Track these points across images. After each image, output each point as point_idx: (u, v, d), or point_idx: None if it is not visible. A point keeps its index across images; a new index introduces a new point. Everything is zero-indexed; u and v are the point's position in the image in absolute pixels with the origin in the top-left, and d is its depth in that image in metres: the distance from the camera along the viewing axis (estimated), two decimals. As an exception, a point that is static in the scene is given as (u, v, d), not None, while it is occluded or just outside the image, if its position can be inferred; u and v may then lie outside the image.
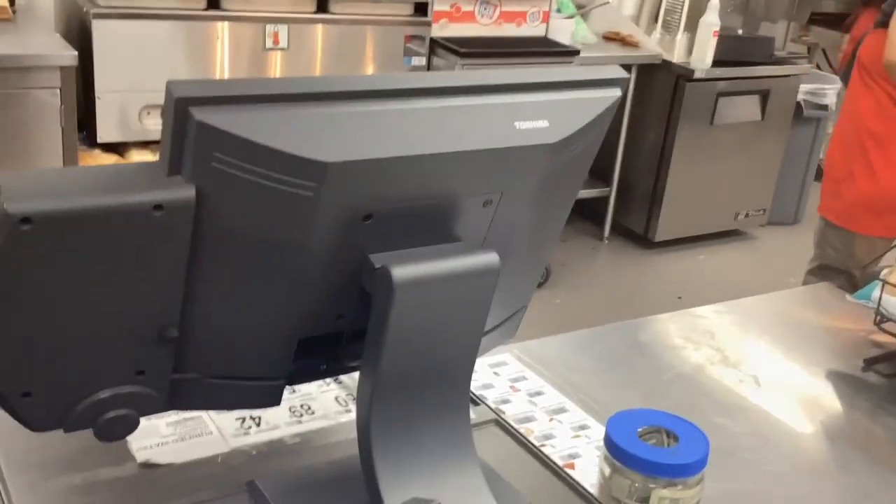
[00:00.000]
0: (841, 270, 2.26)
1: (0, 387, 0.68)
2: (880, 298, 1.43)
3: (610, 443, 0.92)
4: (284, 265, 0.71)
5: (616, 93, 0.81)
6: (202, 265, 0.68)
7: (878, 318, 1.46)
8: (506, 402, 1.27)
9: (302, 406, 1.00)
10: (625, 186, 4.23)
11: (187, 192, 0.64)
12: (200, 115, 0.62)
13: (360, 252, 0.74)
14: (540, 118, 0.76)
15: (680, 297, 3.82)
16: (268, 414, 0.97)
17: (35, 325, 0.65)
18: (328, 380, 1.06)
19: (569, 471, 1.12)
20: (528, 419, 1.23)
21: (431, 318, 0.75)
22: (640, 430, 0.94)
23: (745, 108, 4.12)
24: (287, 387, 1.03)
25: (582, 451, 1.17)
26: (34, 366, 0.68)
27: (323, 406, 1.00)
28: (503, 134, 0.74)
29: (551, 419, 1.24)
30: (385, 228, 0.73)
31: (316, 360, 0.82)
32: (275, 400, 0.80)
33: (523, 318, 0.98)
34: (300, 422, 0.97)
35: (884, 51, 2.17)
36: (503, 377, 1.33)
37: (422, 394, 0.78)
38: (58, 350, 0.68)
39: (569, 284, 3.95)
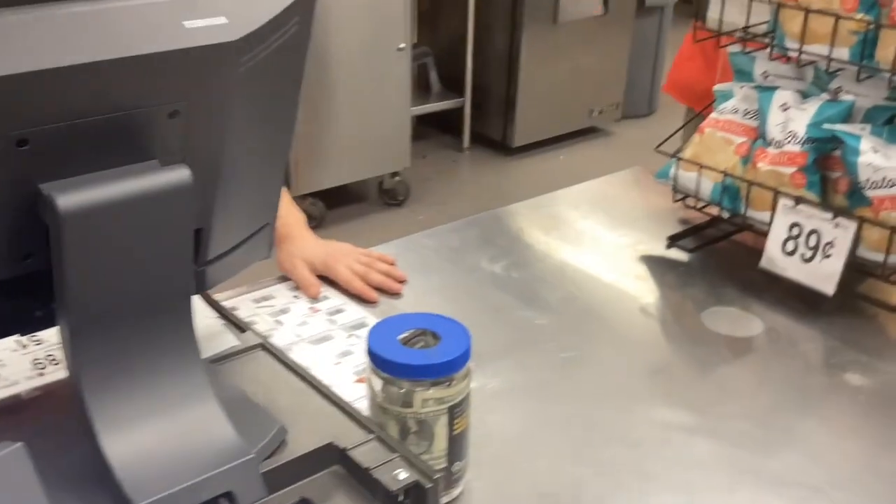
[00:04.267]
0: None
1: None
2: (676, 175, 1.44)
3: (371, 353, 0.89)
4: (-69, 206, 0.63)
5: (308, -19, 0.75)
6: None
7: (677, 194, 1.47)
8: (303, 324, 1.23)
9: (47, 356, 0.93)
10: (479, 95, 4.19)
11: None
12: None
13: (29, 183, 0.67)
14: (215, 15, 0.69)
15: (542, 200, 3.85)
16: (7, 369, 0.91)
17: None
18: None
19: (361, 385, 1.09)
20: (325, 339, 1.20)
21: (120, 245, 0.69)
22: (402, 335, 0.91)
23: (586, 3, 4.10)
24: (32, 335, 0.97)
25: (377, 364, 1.15)
26: None
27: (72, 354, 0.94)
28: (169, 35, 0.67)
29: (349, 335, 1.21)
30: (51, 153, 0.66)
31: (22, 306, 0.75)
32: (-23, 355, 0.74)
33: (273, 236, 0.93)
34: (42, 374, 0.90)
35: None
36: (303, 299, 1.29)
37: (131, 327, 0.72)
38: None
39: (431, 199, 3.93)
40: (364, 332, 1.21)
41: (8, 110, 0.62)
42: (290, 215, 1.33)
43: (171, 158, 0.73)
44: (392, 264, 1.35)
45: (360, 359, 1.15)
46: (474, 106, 4.20)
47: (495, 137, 4.29)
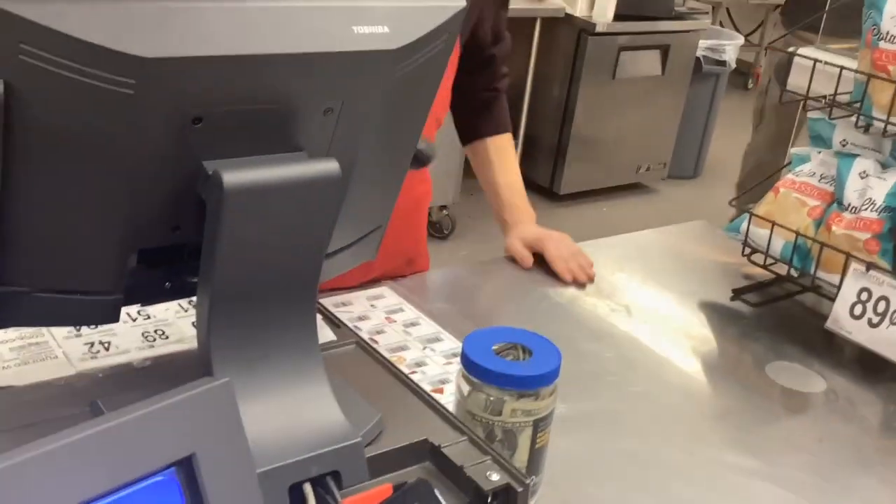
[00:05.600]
0: None
1: None
2: (747, 230, 1.48)
3: (465, 359, 0.93)
4: (108, 168, 0.68)
5: (460, 3, 0.80)
6: (17, 167, 0.65)
7: (746, 249, 1.50)
8: (380, 332, 1.28)
9: (156, 331, 0.97)
10: (530, 140, 4.26)
11: (-6, 86, 0.61)
12: (4, 3, 0.59)
13: (195, 159, 0.72)
14: (379, 24, 0.75)
15: (582, 249, 3.89)
16: (118, 338, 0.95)
17: None
18: (185, 305, 1.04)
19: (437, 395, 1.13)
20: (401, 348, 1.24)
21: (269, 228, 0.74)
22: (495, 346, 0.95)
23: (646, 63, 4.18)
24: (141, 310, 1.02)
25: (452, 377, 1.19)
26: None
27: (178, 331, 0.99)
28: (340, 38, 0.72)
29: (424, 348, 1.25)
30: (219, 134, 0.71)
31: (157, 276, 0.80)
32: (112, 316, 0.78)
33: (383, 237, 0.97)
34: (152, 346, 0.95)
35: None
36: (379, 309, 1.34)
37: (263, 307, 0.77)
38: None
39: (475, 237, 3.97)
40: (438, 347, 1.25)
41: (192, 88, 0.68)
42: (525, 212, 1.62)
43: (316, 152, 0.78)
44: (591, 265, 1.55)
45: (435, 370, 1.19)
46: (524, 150, 4.27)
47: (543, 183, 4.34)
